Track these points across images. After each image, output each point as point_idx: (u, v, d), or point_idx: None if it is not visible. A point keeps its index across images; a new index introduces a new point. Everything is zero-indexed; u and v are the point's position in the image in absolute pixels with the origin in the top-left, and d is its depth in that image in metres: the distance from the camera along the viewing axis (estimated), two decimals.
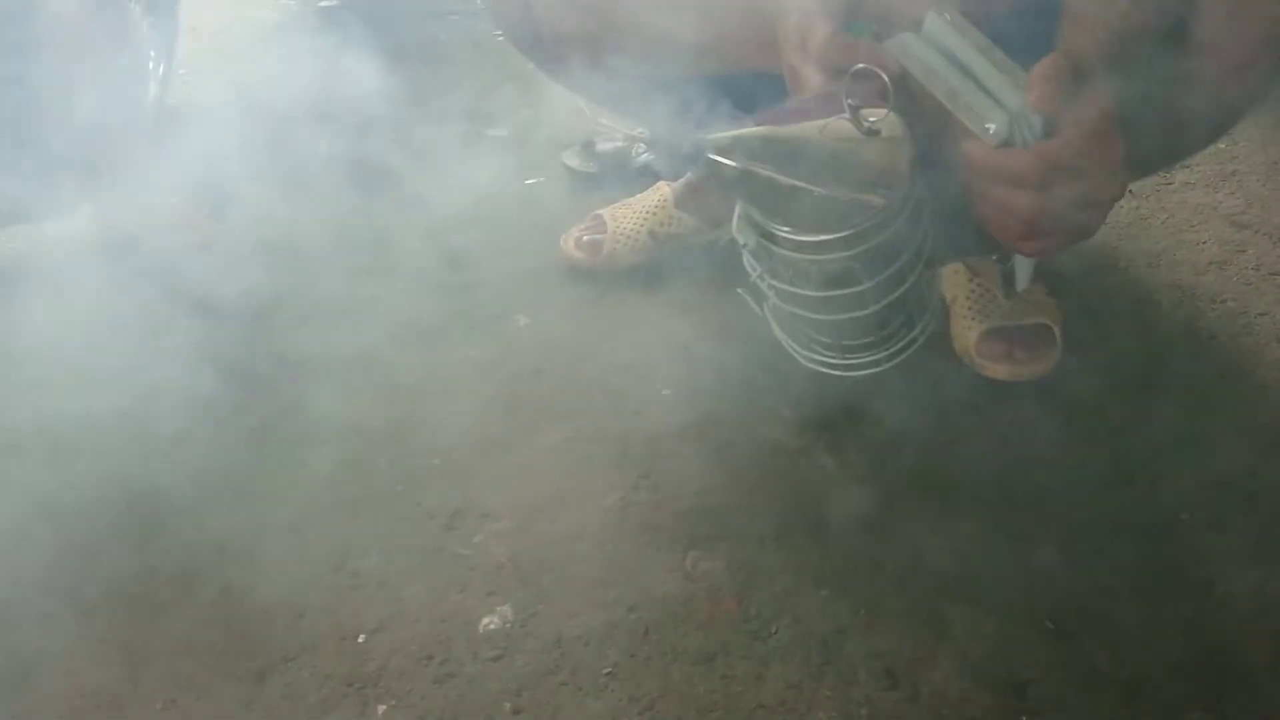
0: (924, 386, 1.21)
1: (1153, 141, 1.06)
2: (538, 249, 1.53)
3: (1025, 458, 1.14)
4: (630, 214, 1.46)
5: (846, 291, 0.84)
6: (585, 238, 1.46)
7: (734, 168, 0.75)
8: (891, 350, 0.93)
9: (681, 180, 1.48)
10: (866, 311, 0.87)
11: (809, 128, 0.78)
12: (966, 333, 1.22)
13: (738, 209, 0.87)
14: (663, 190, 1.48)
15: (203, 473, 1.18)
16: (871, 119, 0.77)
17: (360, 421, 1.25)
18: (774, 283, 0.88)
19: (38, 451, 1.23)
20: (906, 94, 0.79)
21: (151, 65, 1.91)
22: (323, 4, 2.53)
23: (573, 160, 1.70)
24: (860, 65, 0.77)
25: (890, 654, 0.96)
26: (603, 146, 1.68)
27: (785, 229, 0.81)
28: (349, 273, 1.51)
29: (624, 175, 1.66)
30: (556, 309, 1.42)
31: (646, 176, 1.63)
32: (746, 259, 0.90)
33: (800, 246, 0.81)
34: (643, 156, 1.70)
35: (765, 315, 0.96)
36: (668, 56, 0.99)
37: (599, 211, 1.49)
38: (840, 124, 0.77)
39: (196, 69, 2.18)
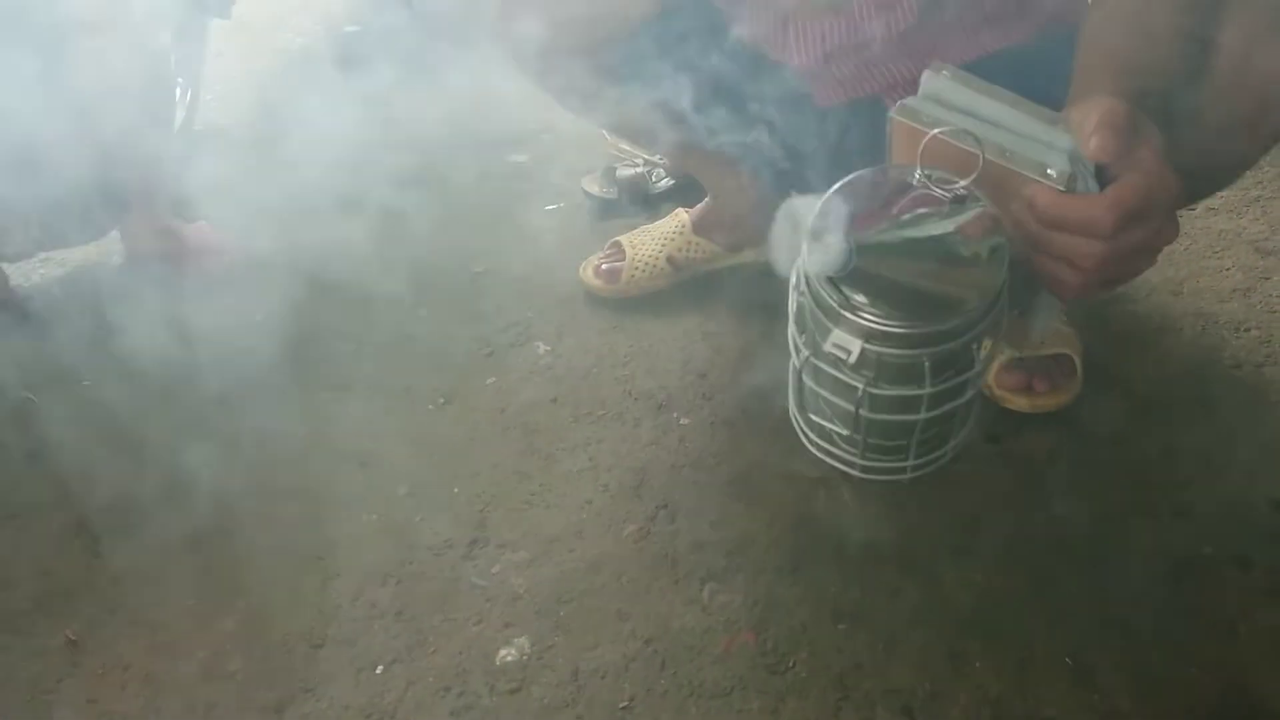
0: None
1: (1191, 180, 1.06)
2: (557, 276, 1.54)
3: (1045, 490, 1.13)
4: (649, 240, 1.47)
5: (909, 392, 0.79)
6: (604, 265, 1.47)
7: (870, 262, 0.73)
8: (917, 462, 0.88)
9: (700, 206, 1.48)
10: (918, 416, 0.81)
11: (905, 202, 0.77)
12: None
13: (812, 315, 0.81)
14: (681, 216, 1.48)
15: (221, 500, 1.19)
16: (956, 188, 0.75)
17: (378, 448, 1.25)
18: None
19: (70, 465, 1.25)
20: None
21: (179, 92, 1.94)
22: (347, 29, 2.56)
23: (593, 186, 1.71)
24: (935, 131, 0.75)
25: (908, 690, 0.96)
26: (623, 172, 1.69)
27: (890, 320, 0.75)
28: (368, 298, 1.52)
29: (643, 201, 1.67)
30: (575, 336, 1.42)
31: (670, 198, 1.64)
32: (793, 333, 0.85)
33: (916, 341, 0.76)
34: (663, 181, 1.71)
35: (794, 391, 0.90)
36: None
37: (618, 239, 1.49)
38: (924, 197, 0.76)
39: (222, 94, 2.21)
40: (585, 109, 1.30)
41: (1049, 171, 0.74)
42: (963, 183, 0.75)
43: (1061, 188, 0.74)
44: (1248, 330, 1.32)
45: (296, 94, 2.16)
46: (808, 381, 0.85)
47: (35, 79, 1.36)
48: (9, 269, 1.56)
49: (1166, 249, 1.46)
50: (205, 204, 1.77)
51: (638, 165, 1.71)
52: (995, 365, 1.20)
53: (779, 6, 1.10)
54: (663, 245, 1.45)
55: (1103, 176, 0.75)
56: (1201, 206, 1.54)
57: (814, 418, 0.90)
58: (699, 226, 1.45)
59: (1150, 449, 1.17)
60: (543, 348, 1.41)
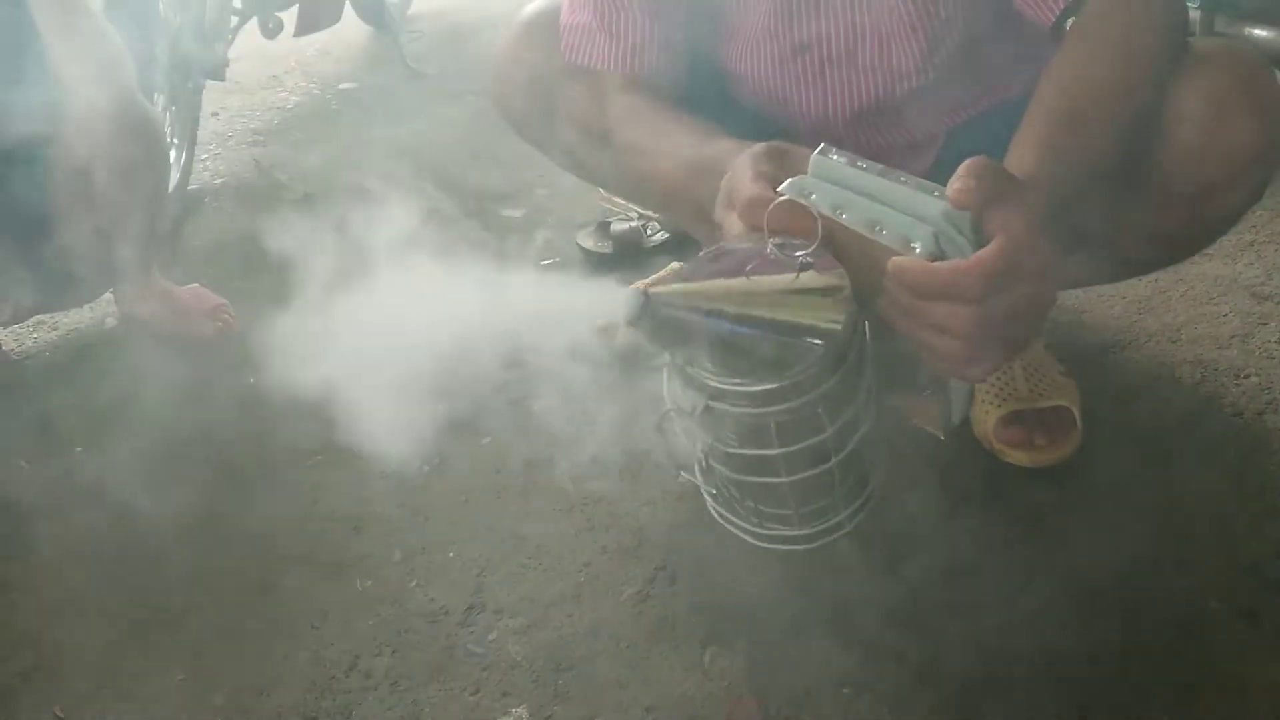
0: (943, 471, 1.20)
1: (1166, 246, 1.06)
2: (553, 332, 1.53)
3: (1048, 544, 1.12)
4: None
5: (808, 443, 0.80)
6: (600, 320, 1.46)
7: (676, 313, 0.71)
8: (851, 509, 0.89)
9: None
10: (829, 464, 0.82)
11: (747, 270, 0.75)
12: (985, 416, 1.20)
13: (672, 376, 0.83)
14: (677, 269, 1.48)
15: (208, 569, 1.17)
16: (799, 253, 0.74)
17: (372, 511, 1.24)
18: (727, 448, 0.82)
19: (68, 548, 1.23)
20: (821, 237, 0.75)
21: (174, 154, 1.95)
22: (342, 86, 2.58)
23: (587, 241, 1.71)
24: (782, 198, 0.75)
25: None
26: (617, 227, 1.70)
27: (740, 381, 0.76)
28: (358, 359, 1.51)
29: (638, 256, 1.67)
30: (571, 393, 1.41)
31: (665, 253, 1.64)
32: (679, 438, 0.88)
33: (757, 398, 0.77)
34: (658, 235, 1.71)
35: (709, 500, 0.92)
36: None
37: None
38: (774, 264, 0.74)
39: (217, 154, 2.22)
40: (583, 169, 1.30)
41: (913, 245, 0.73)
42: (805, 251, 0.74)
43: (924, 259, 0.73)
44: (1247, 377, 1.32)
45: (290, 152, 2.18)
46: (722, 472, 0.87)
47: (28, 145, 1.36)
48: (1, 333, 1.56)
49: (1161, 294, 1.47)
50: (199, 265, 1.78)
51: (632, 220, 1.71)
52: (993, 419, 1.20)
53: (777, 65, 1.11)
54: None
55: (978, 238, 0.74)
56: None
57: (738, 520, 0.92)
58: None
59: (1153, 501, 1.15)
60: (537, 405, 1.40)
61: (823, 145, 0.78)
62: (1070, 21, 0.95)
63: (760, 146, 0.82)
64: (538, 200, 1.94)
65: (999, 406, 1.19)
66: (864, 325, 0.80)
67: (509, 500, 1.25)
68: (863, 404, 0.82)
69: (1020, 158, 0.82)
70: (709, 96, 1.12)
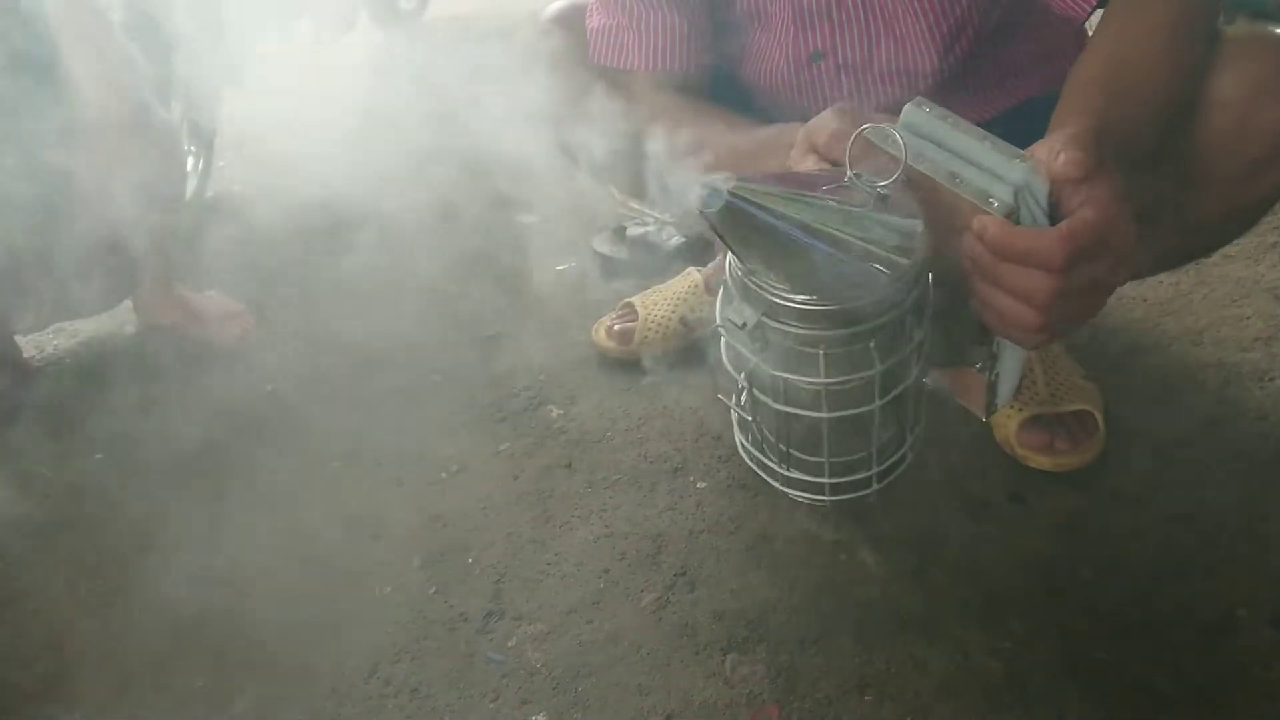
0: (964, 475, 1.19)
1: (1196, 234, 1.05)
2: (569, 337, 1.53)
3: (1072, 550, 1.11)
4: (662, 301, 1.46)
5: (855, 378, 0.78)
6: (617, 326, 1.46)
7: (755, 210, 0.68)
8: (881, 468, 0.87)
9: (713, 264, 1.48)
10: (870, 407, 0.80)
11: (822, 191, 0.73)
12: (1006, 420, 1.19)
13: (728, 293, 0.80)
14: (694, 276, 1.47)
15: (227, 575, 1.17)
16: (880, 184, 0.73)
17: (391, 519, 1.24)
18: (773, 371, 0.79)
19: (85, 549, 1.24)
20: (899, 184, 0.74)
21: (191, 161, 1.95)
22: (357, 92, 2.59)
23: (603, 246, 1.71)
24: (866, 127, 0.74)
25: None
26: (633, 232, 1.69)
27: (801, 298, 0.74)
28: (378, 364, 1.52)
29: (655, 261, 1.66)
30: (589, 399, 1.41)
31: (681, 257, 1.64)
32: (728, 356, 0.84)
33: (814, 318, 0.74)
34: (674, 240, 1.71)
35: (738, 435, 0.91)
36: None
37: (630, 299, 1.49)
38: (849, 192, 0.73)
39: (234, 161, 2.23)
40: (601, 175, 1.30)
41: (991, 200, 0.72)
42: (884, 182, 0.73)
43: (1001, 215, 0.72)
44: (1272, 380, 1.30)
45: (307, 162, 2.18)
46: (763, 401, 0.84)
47: (46, 151, 1.37)
48: (22, 340, 1.57)
49: (1182, 297, 1.46)
50: (217, 272, 1.78)
51: (648, 224, 1.71)
52: (1015, 423, 1.19)
53: (795, 71, 1.10)
54: (675, 305, 1.44)
55: (1056, 215, 0.73)
56: (1217, 254, 1.53)
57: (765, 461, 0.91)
58: (712, 286, 1.44)
59: (1177, 506, 1.14)
60: (555, 411, 1.40)
61: (918, 98, 0.77)
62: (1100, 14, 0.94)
63: (842, 103, 0.82)
64: (553, 205, 1.94)
65: (1020, 410, 1.18)
66: (928, 275, 0.78)
67: (527, 507, 1.24)
68: (913, 354, 0.80)
69: (1078, 116, 0.80)
70: (727, 102, 1.11)
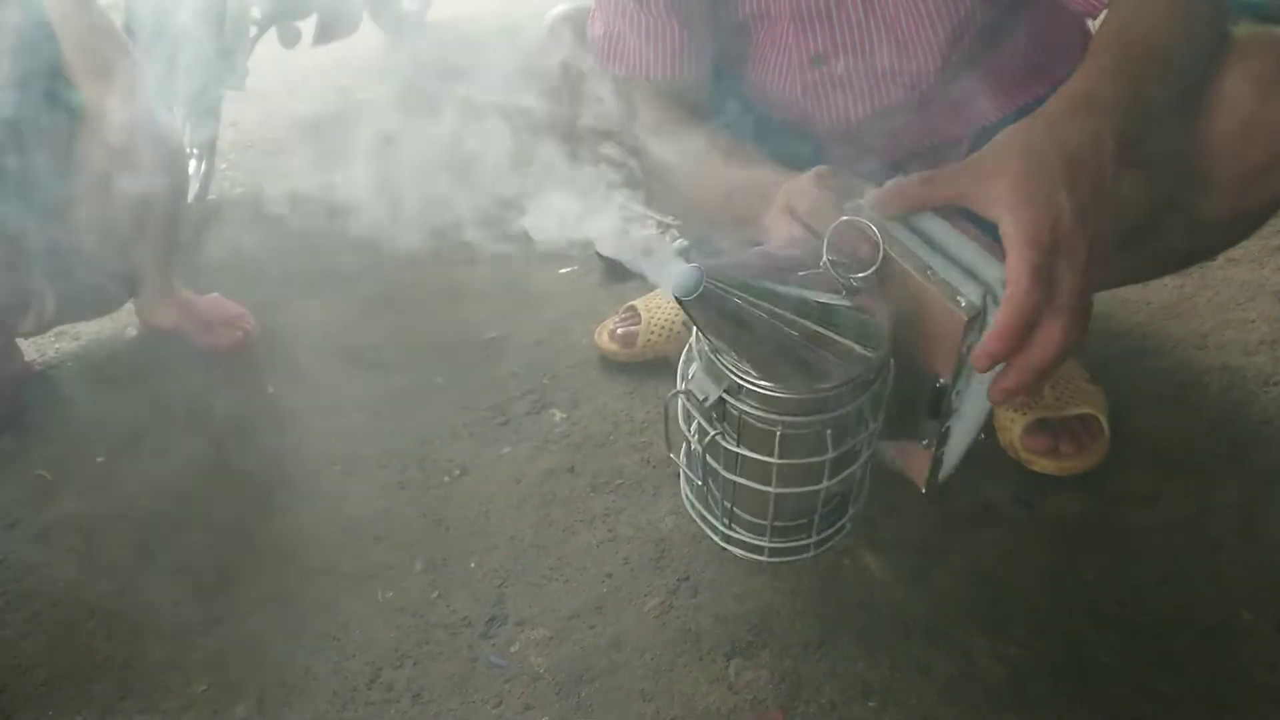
0: (969, 480, 1.19)
1: (1204, 234, 1.05)
2: (572, 340, 1.53)
3: (1076, 554, 1.10)
4: (665, 304, 1.46)
5: (806, 461, 0.81)
6: (620, 329, 1.46)
7: (732, 297, 0.70)
8: (821, 536, 0.90)
9: None
10: (818, 487, 0.83)
11: (797, 277, 0.75)
12: (1010, 424, 1.19)
13: (697, 360, 0.83)
14: None
15: (229, 580, 1.17)
16: (855, 275, 0.75)
17: (394, 522, 1.24)
18: (726, 444, 0.83)
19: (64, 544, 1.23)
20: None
21: (193, 165, 1.95)
22: (360, 96, 2.59)
23: (606, 249, 1.70)
24: (845, 218, 0.75)
25: None
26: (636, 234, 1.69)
27: (764, 383, 0.77)
28: (380, 368, 1.52)
29: None
30: (592, 403, 1.41)
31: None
32: (683, 416, 0.87)
33: (773, 403, 0.77)
34: (677, 243, 1.70)
35: (684, 489, 0.94)
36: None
37: (633, 302, 1.48)
38: (822, 277, 0.75)
39: (236, 163, 2.23)
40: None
41: (959, 299, 0.74)
42: (859, 275, 0.75)
43: (965, 318, 0.74)
44: (1276, 384, 1.30)
45: (309, 162, 2.18)
46: (712, 464, 0.87)
47: (49, 156, 1.37)
48: (23, 344, 1.57)
49: (1187, 300, 1.46)
50: (219, 274, 1.78)
51: (651, 228, 1.70)
52: (1019, 426, 1.18)
53: (798, 74, 1.10)
54: (679, 309, 1.44)
55: None
56: (1221, 258, 1.52)
57: (705, 512, 0.95)
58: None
59: (1182, 510, 1.14)
60: (558, 415, 1.39)
61: (897, 178, 0.79)
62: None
63: (823, 168, 0.83)
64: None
65: (1024, 414, 1.18)
66: (889, 366, 0.80)
67: (530, 511, 1.24)
68: (865, 439, 0.83)
69: (1081, 78, 0.81)
70: (729, 106, 1.11)
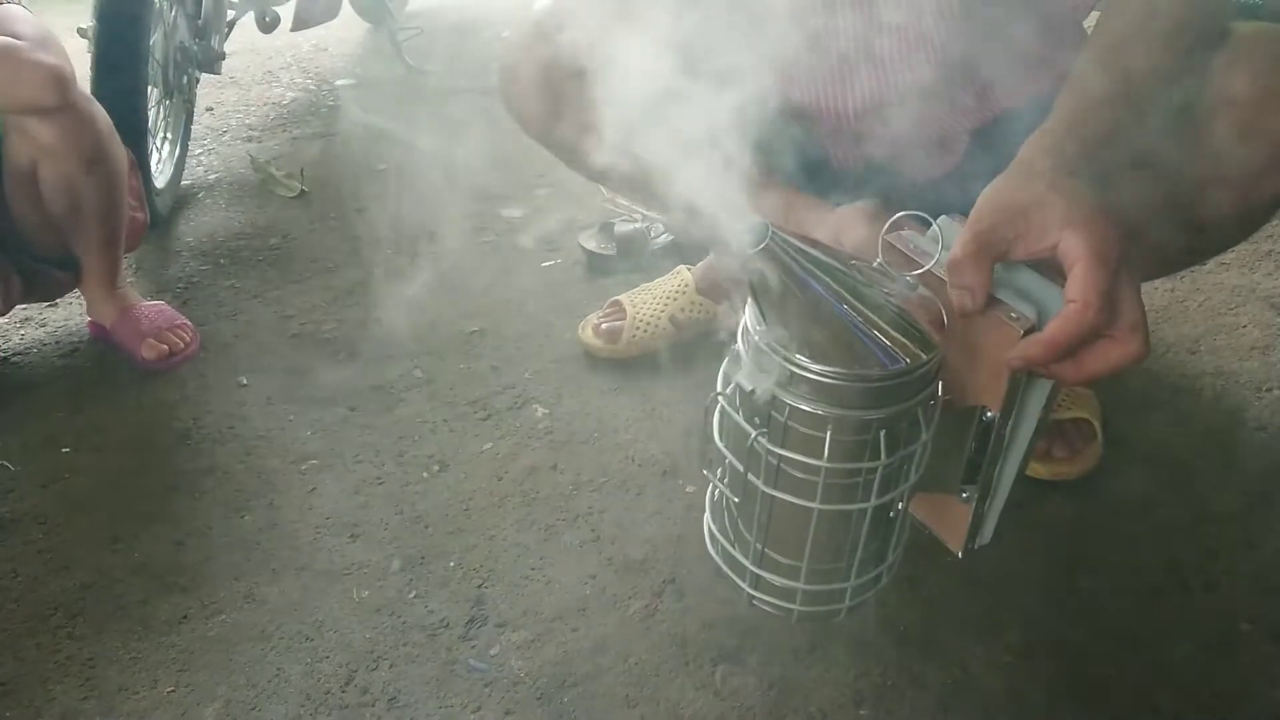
0: None
1: (1200, 235, 1.03)
2: (556, 335, 1.49)
3: (1070, 561, 1.08)
4: (650, 299, 1.43)
5: (854, 465, 0.73)
6: (604, 325, 1.43)
7: (791, 261, 0.66)
8: (858, 582, 0.80)
9: (704, 264, 1.45)
10: (862, 505, 0.75)
11: (851, 264, 0.73)
12: None
13: (744, 355, 0.75)
14: (684, 275, 1.44)
15: (198, 577, 1.13)
16: (909, 275, 0.73)
17: (371, 520, 1.20)
18: (771, 446, 0.74)
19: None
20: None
21: (167, 149, 1.90)
22: (339, 83, 2.54)
23: (590, 242, 1.68)
24: (900, 214, 0.74)
25: None
26: (621, 228, 1.66)
27: (823, 368, 0.70)
28: (356, 359, 1.48)
29: (642, 257, 1.63)
30: (576, 399, 1.37)
31: (670, 255, 1.60)
32: (720, 429, 0.79)
33: (827, 393, 0.71)
34: (662, 237, 1.67)
35: (711, 520, 0.86)
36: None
37: (618, 297, 1.45)
38: (875, 277, 0.73)
39: (211, 149, 2.17)
40: (589, 170, 1.26)
41: (1013, 315, 0.72)
42: (916, 271, 0.73)
43: (1020, 331, 0.71)
44: (1270, 390, 1.29)
45: (284, 149, 2.13)
46: (754, 481, 0.77)
47: None
48: None
49: (1179, 304, 1.44)
50: (190, 261, 1.73)
51: (636, 221, 1.67)
52: None
53: (790, 63, 1.07)
54: (665, 304, 1.41)
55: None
56: (1213, 262, 1.52)
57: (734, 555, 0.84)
58: (702, 286, 1.41)
59: (1177, 517, 1.12)
60: (541, 411, 1.36)
61: (949, 215, 0.77)
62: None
63: (868, 202, 0.83)
64: (539, 200, 1.90)
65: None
66: (939, 381, 0.75)
67: (511, 509, 1.20)
68: (913, 459, 0.76)
69: (1071, 95, 0.80)
70: None
